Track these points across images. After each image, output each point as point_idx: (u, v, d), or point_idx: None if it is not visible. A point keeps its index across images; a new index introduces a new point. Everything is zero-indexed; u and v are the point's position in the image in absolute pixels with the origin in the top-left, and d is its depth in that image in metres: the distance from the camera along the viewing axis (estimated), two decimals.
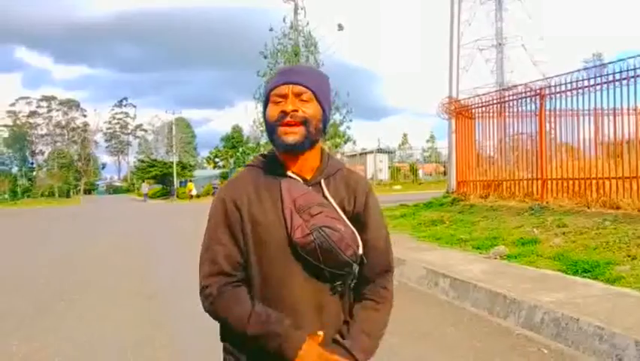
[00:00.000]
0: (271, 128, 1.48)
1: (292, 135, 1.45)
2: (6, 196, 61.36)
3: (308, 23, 38.93)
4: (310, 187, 1.51)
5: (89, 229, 18.68)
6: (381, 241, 1.58)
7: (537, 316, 4.59)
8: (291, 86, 1.47)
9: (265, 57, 37.70)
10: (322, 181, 1.53)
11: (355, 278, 1.51)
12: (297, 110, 1.45)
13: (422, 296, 6.15)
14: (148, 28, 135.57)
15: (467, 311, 5.36)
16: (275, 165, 1.53)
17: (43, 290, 7.34)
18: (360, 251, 1.49)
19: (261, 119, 1.36)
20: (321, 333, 1.45)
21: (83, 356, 4.50)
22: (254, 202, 1.48)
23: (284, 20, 38.39)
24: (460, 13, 17.54)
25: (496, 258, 6.99)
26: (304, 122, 1.46)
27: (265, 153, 1.62)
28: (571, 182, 9.77)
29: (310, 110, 1.47)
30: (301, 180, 1.52)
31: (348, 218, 1.51)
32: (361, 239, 1.51)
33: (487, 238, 8.29)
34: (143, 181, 58.96)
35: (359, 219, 1.54)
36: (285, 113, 1.45)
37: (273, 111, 1.47)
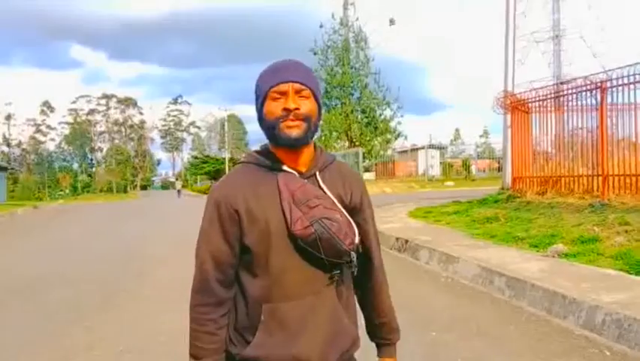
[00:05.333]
0: (273, 124, 1.50)
1: (296, 130, 1.48)
2: (67, 191, 63.93)
3: (358, 18, 38.91)
4: (306, 180, 1.53)
5: (146, 224, 19.25)
6: (373, 230, 1.67)
7: (598, 317, 4.46)
8: (291, 84, 1.49)
9: (315, 53, 37.88)
10: (317, 174, 1.56)
11: (356, 267, 1.52)
12: (298, 108, 1.48)
13: (477, 294, 6.07)
14: (199, 25, 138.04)
15: (524, 310, 5.26)
16: (270, 160, 1.55)
17: (105, 282, 7.65)
18: (357, 240, 1.52)
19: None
20: None
21: (143, 345, 4.69)
22: (251, 198, 1.50)
23: (332, 16, 38.46)
24: (516, 5, 17.04)
25: (554, 256, 6.81)
26: (305, 118, 1.49)
27: (258, 149, 1.64)
28: (634, 178, 9.40)
29: (310, 106, 1.51)
30: (297, 174, 1.53)
31: (344, 209, 1.54)
32: (357, 229, 1.54)
33: (545, 235, 8.07)
34: (176, 179, 70.09)
35: (355, 212, 1.58)
36: (288, 111, 1.48)
37: (275, 108, 1.49)
